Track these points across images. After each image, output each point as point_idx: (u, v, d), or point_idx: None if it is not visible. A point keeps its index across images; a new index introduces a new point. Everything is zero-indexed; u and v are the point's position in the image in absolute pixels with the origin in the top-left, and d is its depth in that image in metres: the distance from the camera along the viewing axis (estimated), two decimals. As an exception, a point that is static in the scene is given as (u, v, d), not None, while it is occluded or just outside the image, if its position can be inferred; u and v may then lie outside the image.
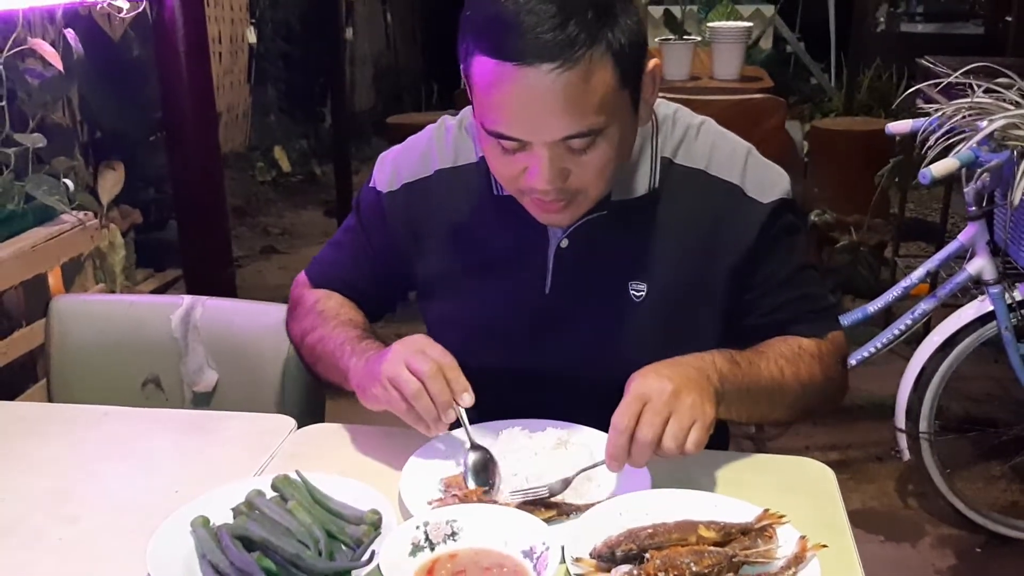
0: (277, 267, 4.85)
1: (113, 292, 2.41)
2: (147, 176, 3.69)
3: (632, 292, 1.33)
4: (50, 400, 1.76)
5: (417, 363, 1.17)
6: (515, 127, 1.14)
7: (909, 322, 2.58)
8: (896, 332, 2.58)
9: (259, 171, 5.88)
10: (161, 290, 3.14)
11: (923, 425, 2.55)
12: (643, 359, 1.33)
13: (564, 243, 1.33)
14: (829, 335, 1.37)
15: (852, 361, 2.69)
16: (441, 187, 1.38)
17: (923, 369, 2.55)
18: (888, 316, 2.96)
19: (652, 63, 1.21)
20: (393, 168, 1.42)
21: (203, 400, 1.74)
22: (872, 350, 2.62)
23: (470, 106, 1.27)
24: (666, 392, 1.10)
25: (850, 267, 4.14)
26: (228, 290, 2.92)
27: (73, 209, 2.27)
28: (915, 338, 2.70)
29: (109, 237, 2.40)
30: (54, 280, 2.18)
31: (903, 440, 2.58)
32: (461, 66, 1.18)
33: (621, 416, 1.10)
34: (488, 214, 1.36)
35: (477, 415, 1.30)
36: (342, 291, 1.48)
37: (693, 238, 1.31)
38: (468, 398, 1.18)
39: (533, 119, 1.13)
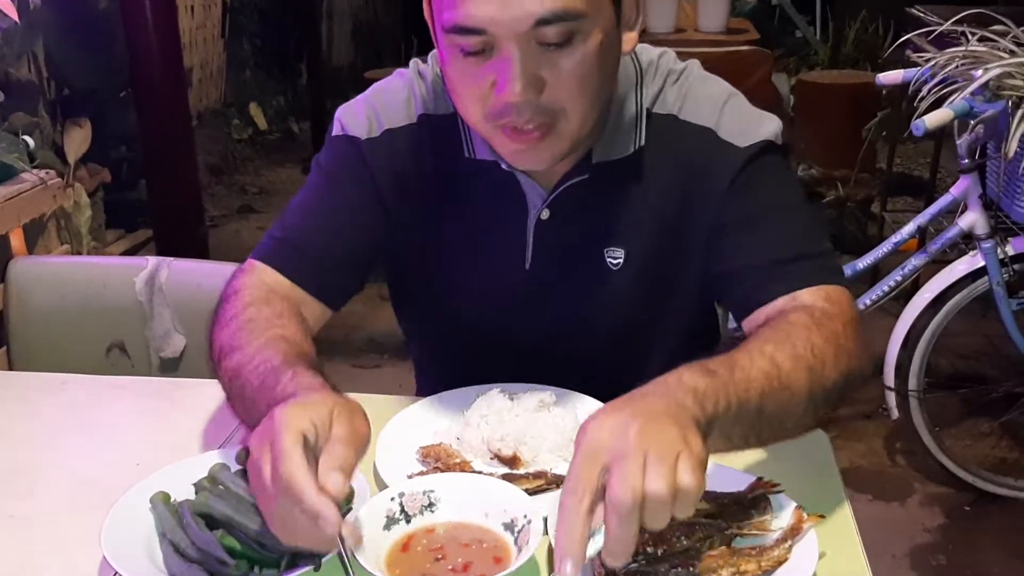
0: (255, 226, 4.76)
1: (79, 254, 2.33)
2: (117, 134, 3.59)
3: (609, 260, 1.23)
4: (10, 367, 1.70)
5: (257, 476, 0.85)
6: (477, 10, 1.00)
7: (899, 278, 2.54)
8: (885, 289, 2.54)
9: (235, 128, 5.76)
10: (132, 251, 3.06)
11: (912, 383, 2.52)
12: (621, 334, 1.28)
13: (545, 214, 1.22)
14: (821, 289, 1.11)
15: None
16: (424, 136, 1.24)
17: (912, 326, 2.51)
18: (876, 273, 2.92)
19: None
20: (369, 113, 1.25)
21: (170, 366, 1.68)
22: (861, 307, 2.57)
23: None
24: (630, 433, 0.79)
25: (837, 222, 4.10)
26: (200, 251, 2.85)
27: (35, 167, 2.18)
28: (904, 295, 2.65)
29: (74, 196, 2.31)
30: (16, 241, 2.10)
31: (892, 398, 2.55)
32: None
33: (571, 487, 0.78)
34: (464, 177, 1.24)
35: (463, 363, 1.25)
36: (304, 269, 1.22)
37: (667, 194, 1.20)
38: (329, 527, 0.81)
39: None
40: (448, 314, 1.33)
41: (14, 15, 2.17)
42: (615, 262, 1.24)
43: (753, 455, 1.15)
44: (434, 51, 1.20)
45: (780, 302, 1.12)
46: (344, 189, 1.25)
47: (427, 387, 1.42)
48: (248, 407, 1.03)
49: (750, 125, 1.18)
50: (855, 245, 3.91)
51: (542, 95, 1.05)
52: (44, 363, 1.61)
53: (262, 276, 1.22)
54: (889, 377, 2.53)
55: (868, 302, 2.55)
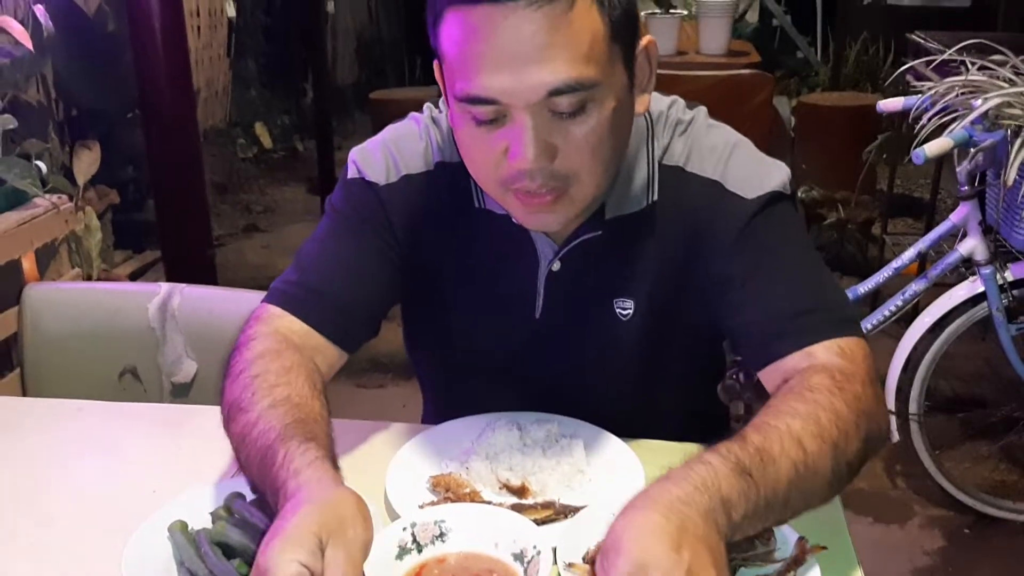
0: (259, 245, 4.79)
1: (90, 276, 2.35)
2: (126, 155, 3.63)
3: (618, 310, 1.24)
4: (24, 391, 1.72)
5: None
6: (491, 81, 1.00)
7: (899, 303, 2.56)
8: (886, 313, 2.56)
9: (240, 147, 5.79)
10: (140, 272, 3.09)
11: (912, 406, 2.54)
12: (629, 377, 1.29)
13: (556, 266, 1.23)
14: (836, 343, 1.09)
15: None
16: (440, 184, 1.24)
17: (913, 350, 2.53)
18: (876, 296, 2.94)
19: (647, 39, 1.11)
20: (387, 158, 1.25)
21: (182, 391, 1.70)
22: (865, 330, 2.60)
23: None
24: (682, 563, 0.80)
25: (838, 244, 4.12)
26: (208, 272, 2.87)
27: (47, 192, 2.21)
28: (905, 318, 2.68)
29: (85, 220, 2.34)
30: (28, 265, 2.12)
31: (892, 421, 2.57)
32: (432, 43, 1.06)
33: None
34: (477, 226, 1.24)
35: (473, 398, 1.27)
36: (321, 314, 1.21)
37: (675, 246, 1.20)
38: None
39: (510, 68, 0.99)
40: (459, 356, 1.35)
41: (29, 44, 2.21)
42: (625, 313, 1.24)
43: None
44: None
45: (796, 358, 1.10)
46: (361, 234, 1.25)
47: (435, 413, 1.45)
48: (251, 478, 1.04)
49: (757, 176, 1.17)
50: (856, 267, 3.94)
51: (555, 162, 1.05)
52: (57, 388, 1.63)
53: (276, 324, 1.20)
54: (889, 400, 2.55)
55: (869, 326, 2.57)
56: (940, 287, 2.59)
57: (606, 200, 1.19)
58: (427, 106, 1.29)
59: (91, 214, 2.38)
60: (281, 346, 1.15)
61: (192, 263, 2.76)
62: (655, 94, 1.20)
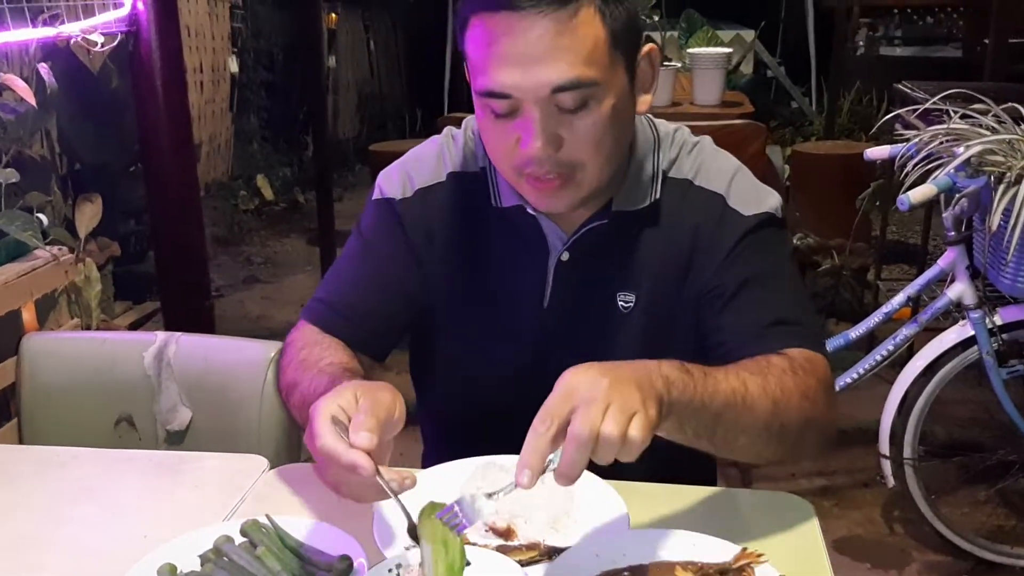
0: (260, 296, 4.83)
1: (89, 327, 2.38)
2: (127, 208, 3.68)
3: (620, 303, 1.34)
4: (21, 440, 1.74)
5: (315, 456, 1.03)
6: (504, 77, 1.14)
7: (891, 347, 2.58)
8: (878, 358, 2.58)
9: (242, 200, 5.86)
10: (140, 323, 3.12)
11: (907, 451, 2.55)
12: None
13: (565, 256, 1.34)
14: (803, 351, 1.22)
15: (835, 387, 2.68)
16: (453, 192, 1.38)
17: (906, 394, 2.54)
18: (872, 341, 2.96)
19: (649, 46, 1.23)
20: (403, 175, 1.40)
21: (177, 439, 1.71)
22: (855, 375, 2.61)
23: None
24: (601, 384, 0.95)
25: (833, 291, 4.15)
26: (206, 323, 2.90)
27: (47, 244, 2.25)
28: (900, 362, 2.69)
29: (85, 271, 2.38)
30: (28, 316, 2.15)
31: (887, 466, 2.57)
32: (459, 46, 1.21)
33: (544, 415, 0.94)
34: (490, 226, 1.36)
35: (472, 433, 1.30)
36: (347, 327, 1.37)
37: (676, 247, 1.32)
38: (363, 471, 0.98)
39: (521, 66, 1.13)
40: (466, 369, 1.41)
41: (32, 101, 2.26)
42: (626, 305, 1.34)
43: (739, 524, 1.19)
44: (468, 117, 1.38)
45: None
46: (381, 249, 1.40)
47: (434, 451, 1.51)
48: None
49: (755, 197, 1.32)
50: (851, 313, 3.96)
51: (560, 151, 1.18)
52: (54, 436, 1.65)
53: (310, 329, 1.38)
54: (884, 445, 2.56)
55: (862, 371, 2.59)
56: (933, 331, 2.60)
57: (614, 196, 1.31)
58: (448, 128, 1.44)
59: (91, 266, 2.41)
60: (319, 337, 1.36)
61: (190, 313, 2.79)
62: (662, 120, 1.38)
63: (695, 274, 1.32)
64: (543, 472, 0.94)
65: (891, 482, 2.58)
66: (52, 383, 1.73)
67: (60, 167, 3.44)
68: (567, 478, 0.93)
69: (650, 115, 1.35)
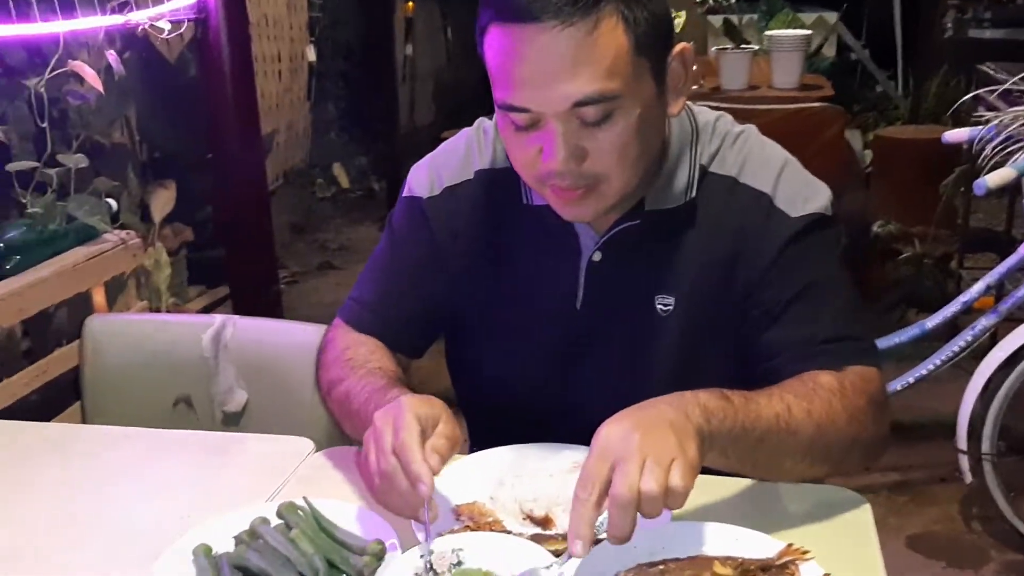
0: (334, 283, 4.88)
1: (158, 310, 2.43)
2: (203, 195, 3.75)
3: (659, 306, 1.28)
4: (84, 420, 1.78)
5: (378, 440, 1.04)
6: (524, 93, 1.10)
7: (970, 338, 2.48)
8: (956, 349, 2.48)
9: (319, 187, 5.93)
10: (212, 307, 3.18)
11: (986, 445, 2.44)
12: (669, 377, 1.29)
13: (596, 256, 1.28)
14: (854, 368, 1.19)
15: (910, 379, 2.60)
16: (480, 190, 1.33)
17: (986, 386, 2.44)
18: (954, 331, 2.85)
19: (680, 46, 1.16)
20: (431, 173, 1.36)
21: (233, 420, 1.74)
22: (931, 367, 2.52)
23: None
24: (634, 439, 0.93)
25: (914, 280, 4.01)
26: (273, 308, 2.94)
27: (116, 228, 2.30)
28: (982, 353, 2.58)
29: (155, 256, 2.43)
30: (98, 298, 2.21)
31: (964, 461, 2.47)
32: (478, 49, 1.16)
33: (584, 481, 0.93)
34: (520, 224, 1.31)
35: (502, 440, 1.28)
36: (381, 326, 1.37)
37: (719, 249, 1.25)
38: (423, 488, 1.00)
39: (541, 82, 1.08)
40: (499, 365, 1.38)
41: (99, 87, 2.31)
42: (665, 309, 1.27)
43: (787, 518, 1.14)
44: None
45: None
46: (409, 248, 1.37)
47: (475, 442, 1.46)
48: (356, 423, 1.19)
49: (803, 195, 1.24)
50: (933, 303, 3.81)
51: (584, 163, 1.13)
52: (115, 417, 1.67)
53: (346, 329, 1.39)
54: (962, 439, 2.46)
55: (938, 362, 2.50)
56: (1016, 321, 2.49)
57: (646, 194, 1.24)
58: (480, 119, 1.38)
59: (161, 250, 2.47)
60: (360, 337, 1.36)
61: (258, 299, 2.83)
62: (703, 107, 1.31)
63: (740, 278, 1.24)
64: (595, 537, 0.93)
65: (968, 478, 2.48)
66: (114, 364, 1.77)
67: (140, 154, 3.51)
68: (618, 540, 0.93)
69: (689, 103, 1.27)
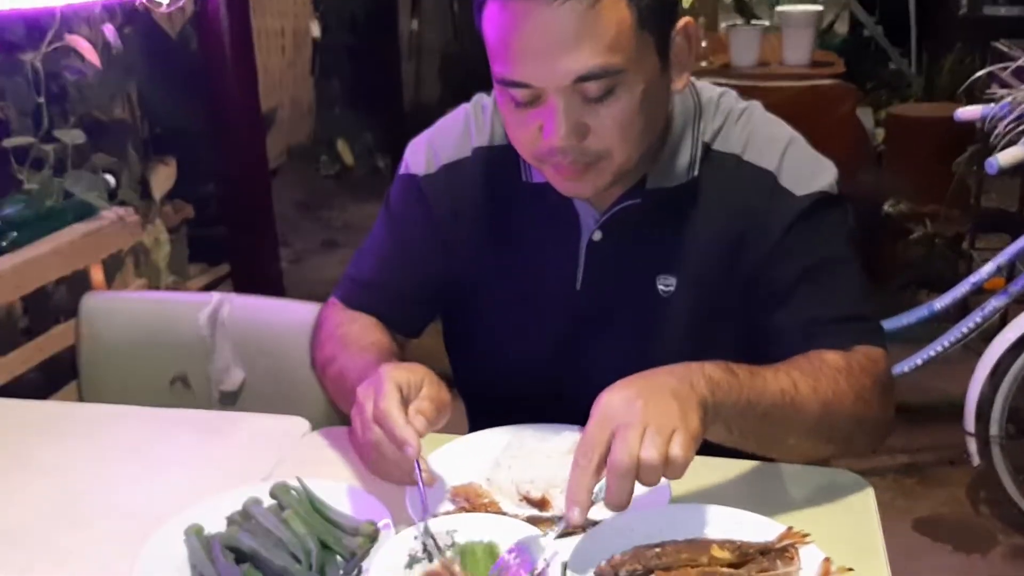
0: (337, 261, 4.85)
1: (158, 287, 2.41)
2: (205, 171, 3.72)
3: (660, 287, 1.25)
4: (80, 398, 1.76)
5: (360, 413, 1.05)
6: (524, 68, 1.07)
7: (979, 319, 2.45)
8: (964, 330, 2.45)
9: (323, 164, 5.90)
10: (212, 285, 3.15)
11: (994, 428, 2.42)
12: (672, 360, 1.27)
13: (597, 235, 1.25)
14: (861, 348, 1.17)
15: (918, 360, 2.57)
16: (478, 168, 1.31)
17: (995, 369, 2.41)
18: (964, 312, 2.81)
19: (685, 20, 1.14)
20: (428, 150, 1.33)
21: (230, 399, 1.72)
22: (940, 348, 2.50)
23: None
24: (636, 406, 0.92)
25: (925, 260, 3.97)
26: (275, 287, 2.92)
27: (115, 205, 2.28)
28: (993, 335, 2.54)
29: (155, 233, 2.40)
30: (96, 275, 2.19)
31: (972, 444, 2.45)
32: (476, 24, 1.12)
33: (584, 448, 0.93)
34: (520, 202, 1.29)
35: (502, 423, 1.26)
36: (377, 305, 1.36)
37: (723, 229, 1.22)
38: (410, 450, 1.00)
39: (541, 56, 1.05)
40: (498, 346, 1.36)
41: (96, 60, 2.28)
42: (666, 289, 1.25)
43: (788, 501, 1.13)
44: None
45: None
46: (406, 227, 1.34)
47: (472, 423, 1.44)
48: (350, 400, 1.14)
49: (809, 173, 1.21)
50: (944, 284, 3.77)
51: (585, 140, 1.10)
52: (112, 395, 1.66)
53: (341, 307, 1.38)
54: (969, 422, 2.44)
55: (947, 343, 2.47)
56: (1026, 304, 2.46)
57: (648, 172, 1.22)
58: (478, 95, 1.35)
59: (160, 227, 2.44)
60: (355, 315, 1.35)
61: (260, 277, 2.81)
62: (706, 83, 1.28)
63: (745, 259, 1.22)
64: (592, 504, 0.93)
65: (976, 460, 2.46)
66: (110, 342, 1.75)
67: (140, 130, 3.48)
68: (615, 507, 0.92)
69: (693, 79, 1.24)
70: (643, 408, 0.92)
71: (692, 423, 0.93)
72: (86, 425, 1.42)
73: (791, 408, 1.07)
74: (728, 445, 1.07)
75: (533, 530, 1.01)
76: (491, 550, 1.00)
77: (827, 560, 0.96)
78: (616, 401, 0.94)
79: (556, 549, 0.98)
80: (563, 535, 1.02)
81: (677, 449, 0.90)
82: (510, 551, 0.97)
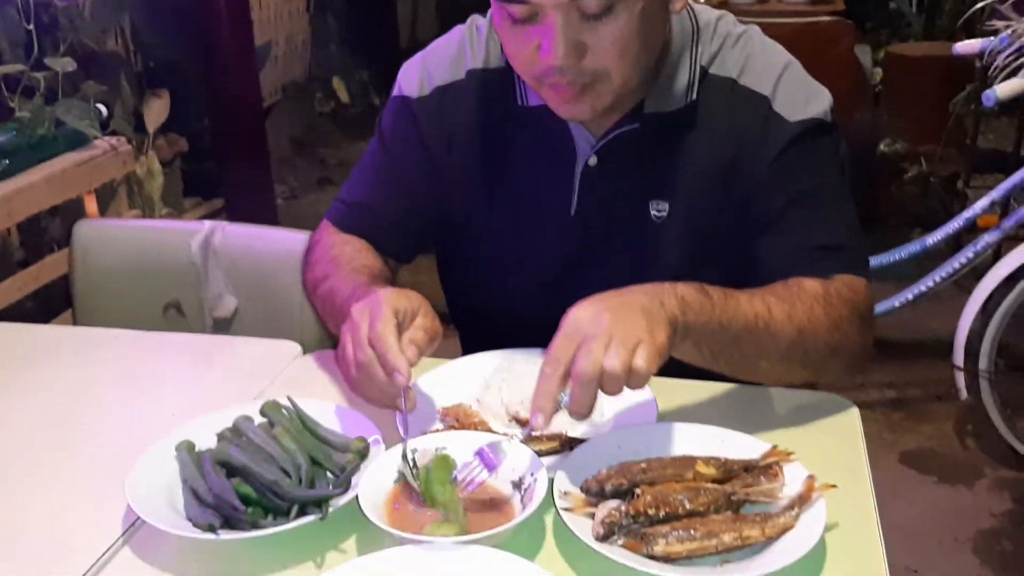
0: (332, 198, 4.80)
1: (151, 219, 2.41)
2: (200, 105, 3.69)
3: (653, 212, 1.25)
4: (75, 325, 1.77)
5: (354, 332, 1.04)
6: None
7: (971, 255, 2.45)
8: (956, 266, 2.46)
9: (318, 102, 5.84)
10: (207, 219, 3.14)
11: (983, 363, 2.44)
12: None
13: (592, 160, 1.24)
14: (842, 277, 1.17)
15: (909, 295, 2.58)
16: (472, 91, 1.29)
17: (986, 304, 2.42)
18: (957, 249, 2.82)
19: None
20: (422, 71, 1.31)
21: (223, 326, 1.73)
22: (930, 284, 2.51)
23: None
24: (603, 319, 0.93)
25: (919, 199, 3.96)
26: (270, 222, 2.90)
27: (107, 135, 2.26)
28: (984, 273, 2.55)
29: (148, 164, 2.39)
30: (90, 205, 2.18)
31: (960, 378, 2.47)
32: None
33: (551, 358, 0.94)
34: (514, 126, 1.27)
35: (502, 338, 1.27)
36: (369, 229, 1.34)
37: (716, 153, 1.21)
38: (400, 378, 0.99)
39: None
40: (493, 273, 1.36)
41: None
42: (659, 215, 1.25)
43: (775, 422, 1.14)
44: None
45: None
46: (398, 150, 1.33)
47: (465, 349, 1.45)
48: (339, 319, 1.15)
49: (803, 99, 1.20)
50: (938, 223, 3.78)
51: (584, 59, 1.08)
52: (105, 322, 1.66)
53: (333, 230, 1.36)
54: (959, 356, 2.46)
55: (938, 279, 2.48)
56: (1019, 240, 2.46)
57: (646, 96, 1.21)
58: (473, 16, 1.33)
59: (153, 159, 2.43)
60: (348, 238, 1.34)
61: (254, 212, 2.80)
62: (703, 7, 1.25)
63: (737, 184, 1.21)
64: (557, 411, 0.94)
65: (964, 395, 2.49)
66: (103, 269, 1.75)
67: (135, 64, 3.44)
68: (578, 415, 0.94)
69: (691, 2, 1.22)
70: (610, 321, 0.93)
71: (659, 338, 0.94)
72: (79, 348, 1.43)
73: (764, 332, 1.07)
74: (699, 365, 1.07)
75: (521, 446, 1.03)
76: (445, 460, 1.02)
77: (811, 477, 0.98)
78: (584, 315, 0.95)
79: (542, 463, 0.99)
80: (527, 440, 1.05)
81: (640, 360, 0.91)
82: (475, 453, 1.00)
